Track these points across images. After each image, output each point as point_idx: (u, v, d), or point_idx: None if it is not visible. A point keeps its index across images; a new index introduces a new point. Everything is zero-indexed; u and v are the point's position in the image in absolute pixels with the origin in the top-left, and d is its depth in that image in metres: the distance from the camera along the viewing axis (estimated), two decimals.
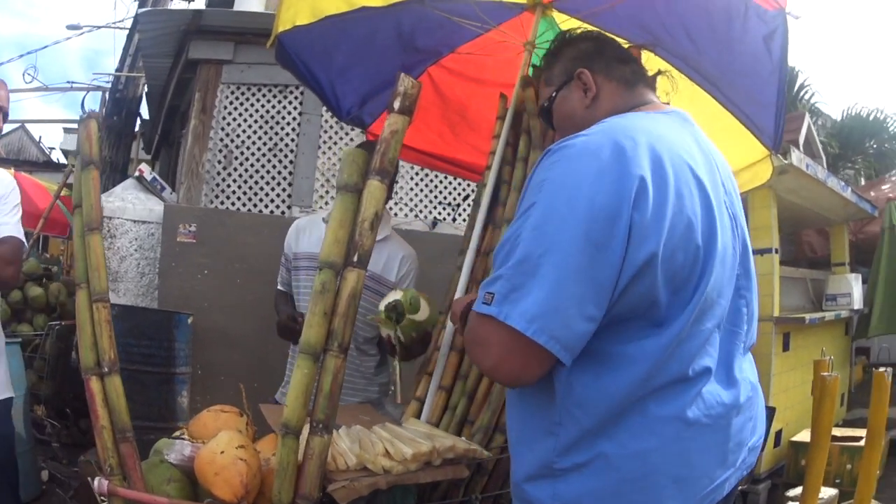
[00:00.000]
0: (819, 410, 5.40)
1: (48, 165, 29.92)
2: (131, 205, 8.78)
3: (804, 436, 7.92)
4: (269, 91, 9.84)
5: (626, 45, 4.15)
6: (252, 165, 9.71)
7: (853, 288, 10.68)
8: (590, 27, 4.59)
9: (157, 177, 9.51)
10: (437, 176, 10.20)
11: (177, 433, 3.13)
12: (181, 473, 2.79)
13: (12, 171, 6.63)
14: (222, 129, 9.60)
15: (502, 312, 1.94)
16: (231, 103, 9.69)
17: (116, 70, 19.25)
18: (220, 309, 6.82)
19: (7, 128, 16.41)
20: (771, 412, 5.93)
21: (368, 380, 4.73)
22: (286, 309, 4.70)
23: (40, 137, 44.05)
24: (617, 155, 2.02)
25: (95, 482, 2.62)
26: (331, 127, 9.88)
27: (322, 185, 9.82)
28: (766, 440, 2.70)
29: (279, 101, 9.85)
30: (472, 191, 10.03)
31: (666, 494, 2.08)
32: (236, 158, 9.52)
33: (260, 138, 9.74)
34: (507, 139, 4.20)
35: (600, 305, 1.97)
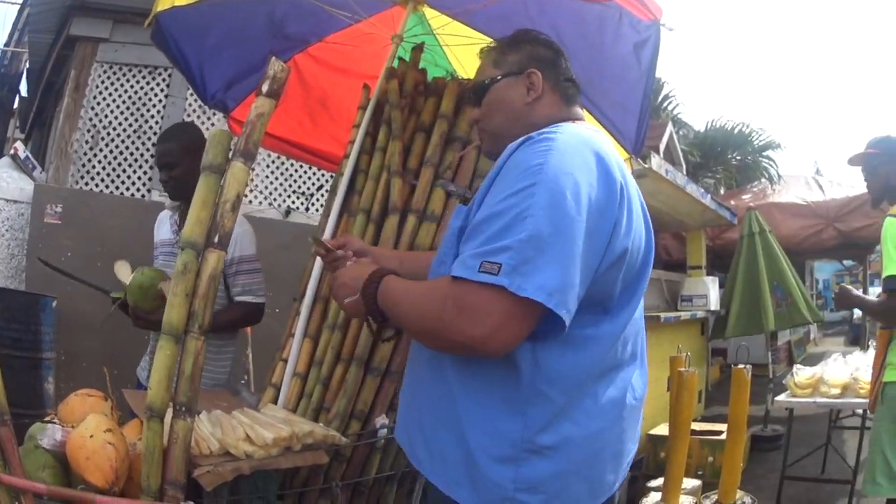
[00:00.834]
0: (678, 403, 5.50)
1: None
2: (4, 183, 8.51)
3: (662, 429, 8.11)
4: (140, 72, 9.68)
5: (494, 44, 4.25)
6: (117, 147, 9.53)
7: (709, 290, 11.08)
8: (460, 24, 4.66)
9: (30, 155, 9.25)
10: (292, 164, 10.17)
11: (47, 418, 3.06)
12: (55, 459, 2.75)
13: None
14: (92, 108, 9.40)
15: (514, 283, 1.94)
16: (103, 83, 9.50)
17: (5, 45, 18.66)
18: (84, 293, 6.73)
19: None
20: None
21: (214, 361, 4.68)
22: None
23: None
24: (599, 159, 2.18)
25: None
26: (194, 111, 9.77)
27: None
28: None
29: (147, 83, 9.70)
30: (327, 181, 10.09)
31: (608, 469, 2.32)
32: (103, 139, 9.34)
33: (126, 119, 9.56)
34: (367, 129, 4.24)
35: (584, 288, 2.10)
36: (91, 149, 9.32)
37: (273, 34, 4.98)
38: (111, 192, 9.45)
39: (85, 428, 2.69)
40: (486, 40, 4.39)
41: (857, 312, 24.42)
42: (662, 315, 9.44)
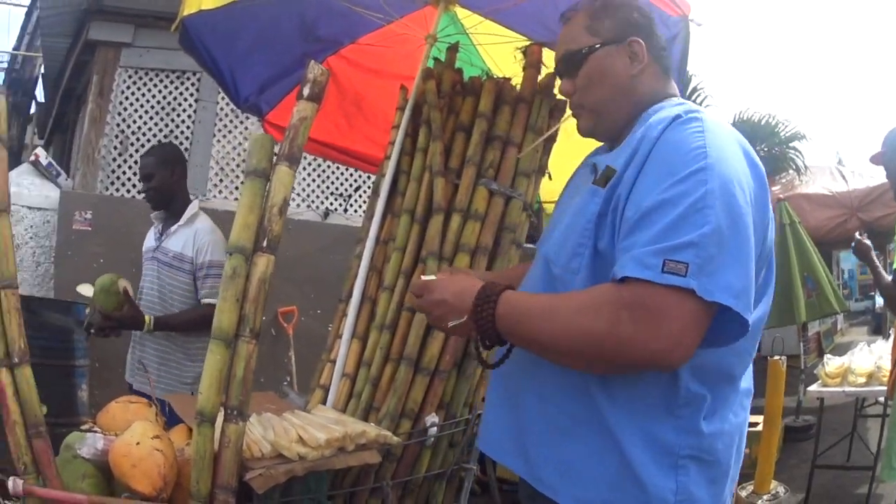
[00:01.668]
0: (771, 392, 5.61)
1: None
2: (27, 190, 8.50)
3: None
4: (167, 76, 9.58)
5: (527, 43, 4.20)
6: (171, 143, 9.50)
7: None
8: (493, 24, 4.63)
9: (53, 162, 9.20)
10: (329, 166, 10.10)
11: (85, 426, 2.99)
12: (95, 468, 2.69)
13: None
14: (119, 113, 9.30)
15: (702, 286, 1.74)
16: (128, 87, 9.41)
17: (14, 48, 18.64)
18: None
19: None
20: None
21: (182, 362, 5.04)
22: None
23: None
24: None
25: (10, 482, 2.53)
26: (226, 115, 9.72)
27: (216, 174, 9.65)
28: None
29: (176, 87, 9.62)
30: (364, 181, 10.02)
31: (736, 463, 2.20)
32: (132, 144, 9.29)
33: (156, 124, 9.45)
34: (406, 130, 4.21)
35: None
36: (120, 154, 9.24)
37: (304, 37, 4.95)
38: (142, 198, 9.41)
39: (131, 435, 2.66)
40: (519, 38, 4.38)
41: (879, 301, 24.32)
42: None
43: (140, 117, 9.41)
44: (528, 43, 4.18)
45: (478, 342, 2.18)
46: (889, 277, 5.11)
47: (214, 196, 9.48)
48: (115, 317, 4.67)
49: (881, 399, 7.27)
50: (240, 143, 9.64)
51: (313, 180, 10.13)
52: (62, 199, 8.31)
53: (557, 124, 4.03)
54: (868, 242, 5.48)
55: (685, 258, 1.75)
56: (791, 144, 16.14)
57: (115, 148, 9.23)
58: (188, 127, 9.62)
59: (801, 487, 7.53)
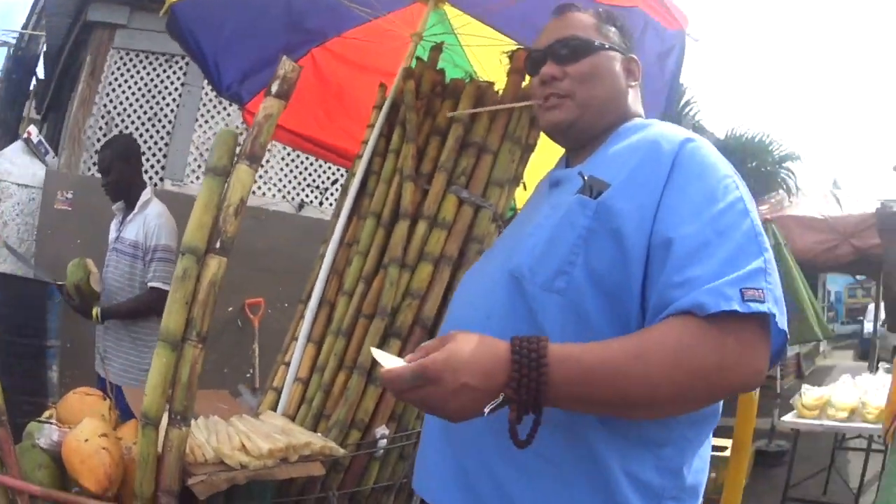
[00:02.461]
0: (741, 419, 5.54)
1: None
2: (16, 168, 8.56)
3: None
4: (157, 59, 9.59)
5: (514, 47, 4.16)
6: (131, 134, 9.43)
7: None
8: (481, 25, 4.60)
9: (43, 140, 9.25)
10: (307, 158, 10.10)
11: (47, 414, 3.10)
12: (50, 459, 2.73)
13: None
14: (107, 94, 9.32)
15: (776, 312, 1.72)
16: (119, 69, 9.43)
17: (23, 27, 18.71)
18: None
19: None
20: None
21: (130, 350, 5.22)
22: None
23: None
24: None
25: None
26: (210, 101, 9.71)
27: (195, 160, 9.65)
28: None
29: (164, 71, 9.63)
30: (342, 175, 9.98)
31: None
32: (117, 126, 9.29)
33: (142, 107, 9.48)
34: (381, 130, 4.18)
35: None
36: (105, 135, 9.23)
37: (291, 28, 4.94)
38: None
39: (80, 431, 2.67)
40: (506, 41, 4.36)
41: (868, 327, 24.42)
42: None
43: (126, 99, 9.43)
44: (515, 47, 4.14)
45: (513, 418, 1.67)
46: None
47: (192, 182, 9.50)
48: (71, 305, 5.04)
49: (866, 436, 7.26)
50: (221, 130, 9.61)
51: (290, 171, 10.12)
52: (46, 178, 8.47)
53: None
54: None
55: (760, 285, 1.72)
56: (784, 164, 16.20)
57: (101, 129, 9.22)
58: (172, 111, 9.63)
59: None
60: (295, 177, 10.14)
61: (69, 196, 8.12)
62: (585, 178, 1.99)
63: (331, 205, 10.09)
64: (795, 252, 10.56)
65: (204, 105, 9.72)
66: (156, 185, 9.44)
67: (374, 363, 3.53)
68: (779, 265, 6.95)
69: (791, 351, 19.25)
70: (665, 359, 1.68)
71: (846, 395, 7.03)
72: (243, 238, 7.47)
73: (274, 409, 3.69)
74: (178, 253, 4.83)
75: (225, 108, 9.70)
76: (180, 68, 9.64)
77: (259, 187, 9.62)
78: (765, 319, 1.71)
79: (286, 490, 3.25)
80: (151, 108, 9.51)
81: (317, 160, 10.08)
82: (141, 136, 9.46)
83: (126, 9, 9.41)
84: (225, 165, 2.64)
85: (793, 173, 15.88)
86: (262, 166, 9.72)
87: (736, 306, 1.67)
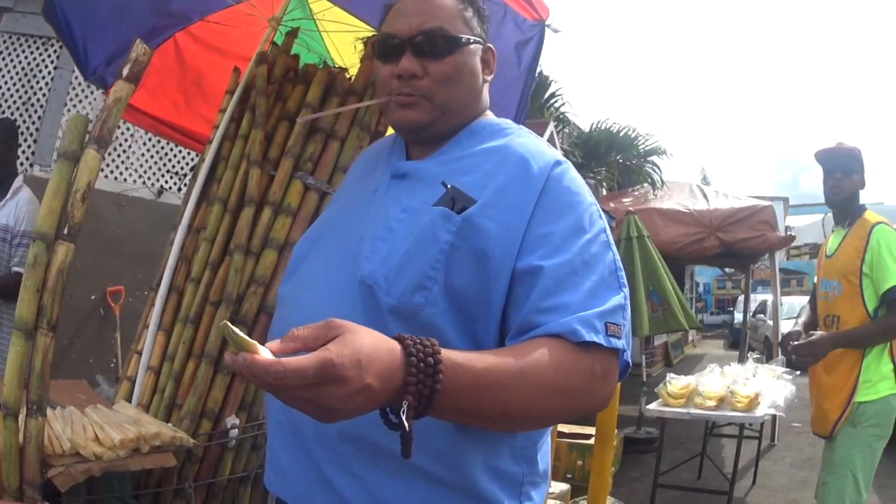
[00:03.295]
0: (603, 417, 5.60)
1: None
2: None
3: None
4: (34, 42, 9.42)
5: (370, 34, 4.18)
6: (8, 118, 9.31)
7: None
8: (340, 11, 4.62)
9: None
10: (167, 144, 10.00)
11: None
12: None
13: None
14: None
15: (624, 347, 1.79)
16: (0, 52, 9.29)
17: None
18: None
19: None
20: None
21: None
22: None
23: None
24: None
25: None
26: (79, 84, 9.55)
27: None
28: None
29: (40, 54, 9.47)
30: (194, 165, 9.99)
31: None
32: None
33: (17, 91, 9.31)
34: (232, 115, 4.17)
35: None
36: None
37: (156, 11, 4.87)
38: None
39: None
40: (364, 27, 4.38)
41: (738, 317, 25.00)
42: None
43: (5, 83, 9.22)
44: (371, 34, 4.16)
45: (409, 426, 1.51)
46: (867, 323, 4.74)
47: None
48: None
49: (736, 423, 7.40)
50: (87, 115, 9.50)
51: (151, 157, 10.00)
52: None
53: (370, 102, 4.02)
54: (807, 343, 4.81)
55: (618, 321, 1.77)
56: (649, 158, 16.48)
57: None
58: (44, 95, 9.46)
59: (644, 502, 7.65)
60: (155, 162, 10.04)
61: None
62: (449, 188, 1.92)
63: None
64: (659, 244, 10.75)
65: (73, 89, 9.57)
66: (25, 170, 9.29)
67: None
68: (643, 256, 7.03)
69: (658, 339, 19.61)
70: (545, 378, 1.69)
71: (713, 383, 7.13)
72: (104, 225, 7.34)
73: (129, 399, 3.66)
74: None
75: (93, 93, 9.57)
76: (55, 51, 9.49)
77: (121, 173, 9.51)
78: (617, 353, 1.77)
79: (145, 482, 3.27)
80: (26, 91, 9.35)
81: (177, 146, 9.98)
82: (14, 120, 9.30)
83: None
84: (75, 150, 2.64)
85: (658, 167, 16.15)
86: (123, 152, 9.61)
87: (601, 340, 1.72)
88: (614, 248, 1.92)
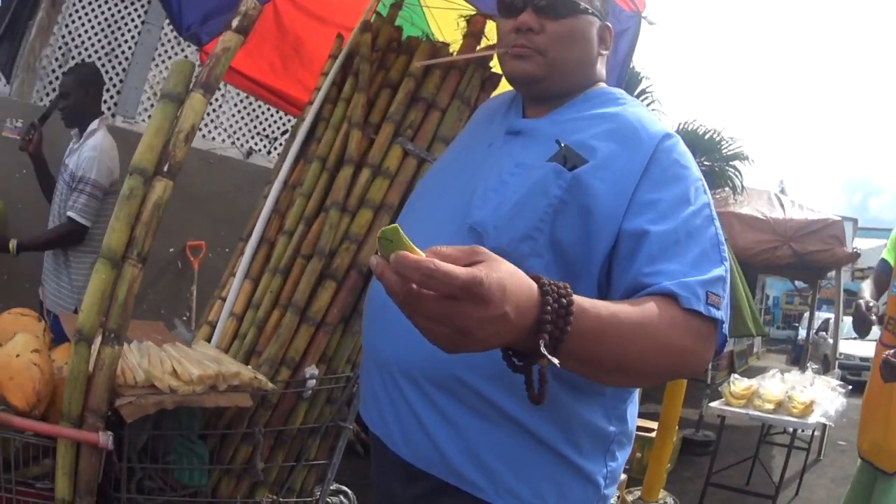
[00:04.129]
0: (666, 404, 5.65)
1: None
2: None
3: None
4: None
5: (472, 12, 4.20)
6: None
7: None
8: None
9: None
10: (259, 106, 10.09)
11: None
12: None
13: None
14: (66, 25, 9.23)
15: (724, 320, 1.86)
16: (80, 1, 9.38)
17: None
18: (34, 212, 6.65)
19: None
20: None
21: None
22: None
23: None
24: None
25: None
26: (168, 41, 9.68)
27: (148, 98, 9.59)
28: None
29: (126, 7, 9.57)
30: (291, 126, 10.01)
31: None
32: (73, 58, 9.21)
33: (100, 41, 9.41)
34: (334, 78, 4.19)
35: None
36: (60, 66, 9.15)
37: None
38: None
39: (12, 347, 2.66)
40: (465, 7, 4.39)
41: (802, 333, 24.71)
42: None
43: (86, 31, 9.34)
44: (473, 12, 4.19)
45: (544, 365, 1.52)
46: None
47: (144, 120, 9.42)
48: None
49: (789, 429, 7.37)
50: (177, 60, 9.61)
51: (242, 118, 10.10)
52: None
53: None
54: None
55: (719, 292, 1.82)
56: (732, 163, 16.30)
57: (57, 59, 9.14)
58: (130, 48, 9.56)
59: (693, 502, 7.67)
60: (246, 124, 10.12)
61: (18, 125, 8.01)
62: (563, 145, 1.98)
63: (278, 154, 10.05)
64: (735, 249, 10.66)
65: (162, 45, 9.69)
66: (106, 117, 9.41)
67: (311, 301, 3.59)
68: None
69: (725, 346, 19.48)
70: (661, 334, 1.74)
71: (773, 387, 7.19)
72: (189, 181, 7.43)
73: (208, 342, 3.69)
74: (104, 190, 4.87)
75: (183, 50, 9.65)
76: (142, 6, 9.59)
77: (210, 131, 9.61)
78: (717, 322, 1.81)
79: (214, 423, 3.31)
80: (109, 43, 9.44)
81: (268, 109, 10.07)
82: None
83: None
84: (179, 93, 2.68)
85: (740, 172, 15.96)
86: (214, 111, 9.71)
87: (702, 308, 1.77)
88: (717, 222, 1.97)
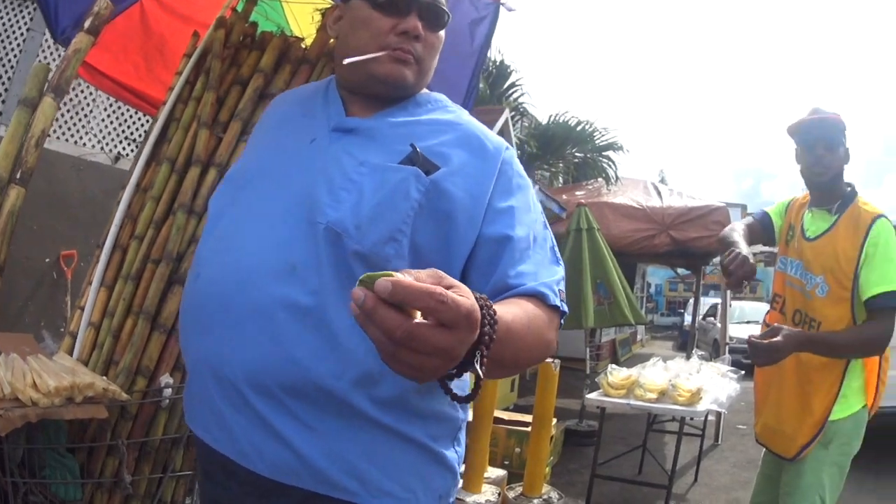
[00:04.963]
0: (482, 393, 5.62)
1: None
2: None
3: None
4: (10, 3, 9.36)
5: (328, 5, 4.21)
6: None
7: None
8: None
9: None
10: (128, 110, 9.97)
11: None
12: None
13: None
14: None
15: (566, 311, 2.02)
16: None
17: None
18: None
19: None
20: None
21: None
22: None
23: None
24: None
25: None
26: (49, 46, 9.53)
27: None
28: None
29: (15, 14, 9.43)
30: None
31: None
32: None
33: None
34: (187, 78, 4.18)
35: None
36: None
37: None
38: None
39: None
40: (323, 0, 4.40)
41: (688, 319, 25.12)
42: None
43: None
44: (329, 5, 4.20)
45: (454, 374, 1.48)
46: (843, 330, 4.05)
47: None
48: None
49: (678, 418, 7.40)
50: (35, 65, 9.49)
51: (111, 122, 9.97)
52: None
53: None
54: (768, 343, 3.90)
55: (563, 288, 2.02)
56: (605, 153, 16.58)
57: None
58: (15, 56, 9.40)
59: (582, 494, 7.69)
60: (115, 128, 10.00)
61: None
62: (418, 150, 1.98)
63: None
64: (610, 238, 10.86)
65: (43, 51, 9.53)
66: None
67: (161, 307, 3.60)
68: (591, 248, 6.86)
69: (606, 337, 19.72)
70: (539, 330, 1.84)
71: (655, 376, 7.25)
72: (61, 188, 7.31)
73: (70, 353, 3.65)
74: None
75: (61, 55, 9.52)
76: (28, 13, 9.44)
77: (81, 137, 9.48)
78: (562, 314, 1.99)
79: (80, 437, 3.30)
80: None
81: (136, 113, 9.95)
82: None
83: None
84: (34, 98, 2.68)
85: (614, 163, 16.26)
86: (85, 116, 9.58)
87: (559, 303, 1.95)
88: (548, 227, 2.16)
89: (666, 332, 35.54)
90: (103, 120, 9.79)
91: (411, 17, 2.08)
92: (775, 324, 4.05)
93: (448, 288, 1.32)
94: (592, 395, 7.26)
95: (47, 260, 8.07)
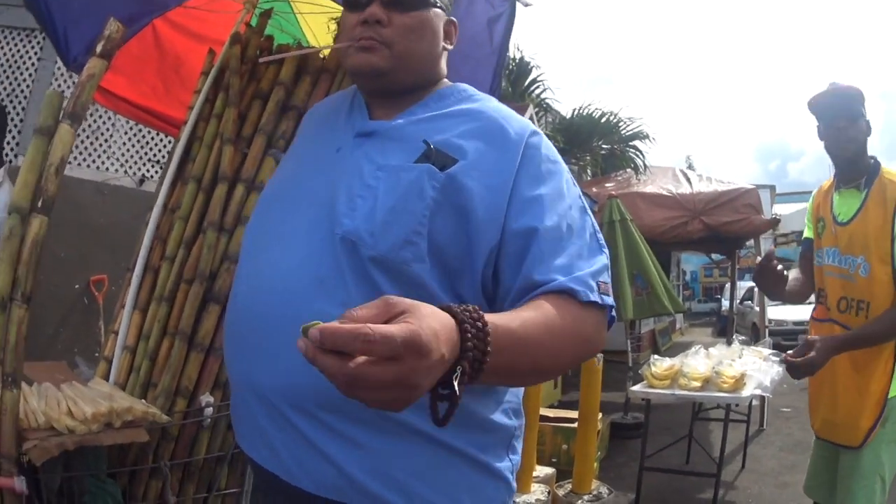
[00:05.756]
0: (526, 391, 5.61)
1: None
2: None
3: None
4: (18, 34, 9.43)
5: (339, 14, 4.22)
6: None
7: None
8: None
9: None
10: (148, 132, 10.02)
11: None
12: None
13: None
14: None
15: (613, 304, 1.93)
16: None
17: None
18: None
19: None
20: None
21: None
22: None
23: None
24: None
25: None
26: (62, 75, 9.58)
27: None
28: None
29: (24, 45, 9.49)
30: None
31: None
32: None
33: (2, 82, 9.34)
34: (206, 95, 4.19)
35: None
36: None
37: None
38: None
39: None
40: (338, 8, 4.40)
41: (725, 304, 24.99)
42: None
43: None
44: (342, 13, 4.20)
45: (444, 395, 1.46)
46: (871, 328, 4.01)
47: None
48: None
49: (723, 405, 7.33)
50: (48, 92, 9.57)
51: (133, 146, 10.02)
52: None
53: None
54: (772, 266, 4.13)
55: (606, 279, 1.91)
56: (632, 143, 16.48)
57: None
58: (28, 86, 9.46)
59: (632, 487, 7.57)
60: (137, 151, 10.05)
61: None
62: (431, 146, 1.95)
63: None
64: (643, 228, 10.77)
65: (56, 80, 9.58)
66: (10, 161, 9.29)
67: (197, 326, 3.60)
68: (625, 240, 6.78)
69: (645, 327, 19.64)
70: (565, 331, 1.77)
71: (698, 364, 7.11)
72: (86, 214, 7.34)
73: (106, 378, 3.67)
74: None
75: (76, 83, 9.56)
76: (38, 43, 9.50)
77: (102, 162, 9.53)
78: (607, 309, 1.88)
79: (121, 460, 3.30)
80: (11, 83, 9.36)
81: (158, 134, 10.00)
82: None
83: None
84: (50, 126, 2.68)
85: (641, 153, 16.16)
86: (105, 141, 9.63)
87: (597, 298, 1.83)
88: (590, 212, 2.02)
89: (704, 318, 35.32)
90: (125, 143, 9.84)
91: (372, 6, 2.05)
92: (808, 336, 4.06)
93: (399, 315, 1.32)
94: (637, 388, 7.17)
95: (77, 286, 8.10)
